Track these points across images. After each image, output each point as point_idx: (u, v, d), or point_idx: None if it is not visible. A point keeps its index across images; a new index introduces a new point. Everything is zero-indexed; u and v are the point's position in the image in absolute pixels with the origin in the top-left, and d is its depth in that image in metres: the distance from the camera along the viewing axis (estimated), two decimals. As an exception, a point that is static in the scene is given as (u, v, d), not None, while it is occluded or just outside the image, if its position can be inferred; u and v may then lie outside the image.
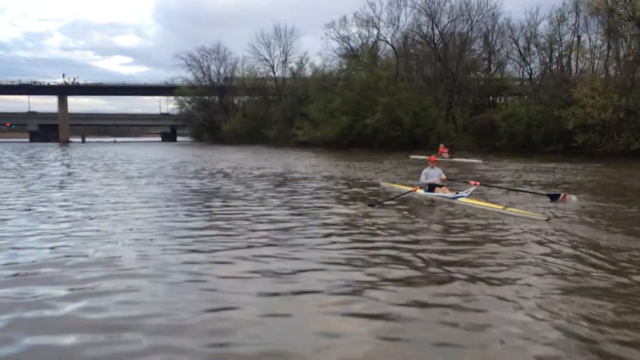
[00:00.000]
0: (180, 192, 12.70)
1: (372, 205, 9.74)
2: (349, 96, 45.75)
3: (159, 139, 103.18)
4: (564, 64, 41.99)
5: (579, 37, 41.62)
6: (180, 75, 76.51)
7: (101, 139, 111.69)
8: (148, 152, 42.97)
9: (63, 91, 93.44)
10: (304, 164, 24.86)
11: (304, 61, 63.08)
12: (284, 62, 65.06)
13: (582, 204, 9.98)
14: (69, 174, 18.77)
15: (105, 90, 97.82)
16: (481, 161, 24.43)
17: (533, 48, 44.01)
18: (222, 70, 75.10)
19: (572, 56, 39.12)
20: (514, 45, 45.06)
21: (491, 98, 47.32)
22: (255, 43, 66.88)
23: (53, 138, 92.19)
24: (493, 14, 45.70)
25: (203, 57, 74.43)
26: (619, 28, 30.54)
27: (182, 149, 50.16)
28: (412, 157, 27.46)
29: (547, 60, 42.56)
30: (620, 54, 31.48)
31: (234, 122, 67.75)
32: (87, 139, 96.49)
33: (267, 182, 15.20)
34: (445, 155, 25.55)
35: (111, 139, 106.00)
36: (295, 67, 64.26)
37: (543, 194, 11.11)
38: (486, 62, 47.20)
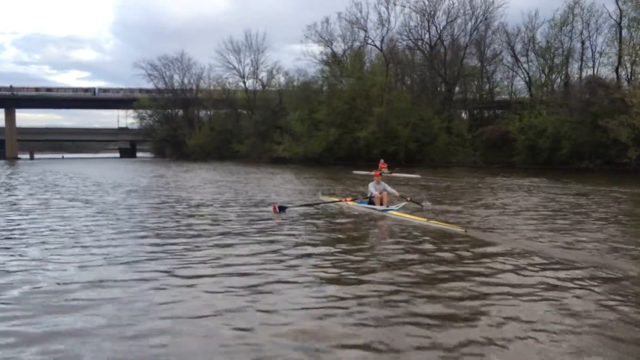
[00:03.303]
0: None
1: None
2: (337, 106, 38.07)
3: (118, 154, 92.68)
4: (564, 70, 36.57)
5: (582, 42, 36.29)
6: (140, 86, 66.96)
7: (52, 156, 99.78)
8: (99, 171, 33.67)
9: (10, 103, 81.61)
10: (318, 190, 16.87)
11: (274, 72, 55.09)
12: (255, 71, 56.78)
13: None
14: None
15: (57, 102, 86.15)
16: (419, 176, 22.84)
17: (531, 55, 38.36)
18: (186, 81, 65.50)
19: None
20: (511, 51, 39.13)
21: (498, 111, 40.20)
22: (224, 50, 57.99)
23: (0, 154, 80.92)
24: (486, 19, 39.52)
25: (165, 66, 64.70)
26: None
27: (142, 167, 41.02)
28: (355, 172, 26.58)
29: (551, 66, 36.84)
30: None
31: (200, 136, 58.73)
32: (37, 155, 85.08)
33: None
34: (385, 170, 24.06)
35: (59, 156, 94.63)
36: (265, 77, 56.14)
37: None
38: (484, 70, 40.78)
